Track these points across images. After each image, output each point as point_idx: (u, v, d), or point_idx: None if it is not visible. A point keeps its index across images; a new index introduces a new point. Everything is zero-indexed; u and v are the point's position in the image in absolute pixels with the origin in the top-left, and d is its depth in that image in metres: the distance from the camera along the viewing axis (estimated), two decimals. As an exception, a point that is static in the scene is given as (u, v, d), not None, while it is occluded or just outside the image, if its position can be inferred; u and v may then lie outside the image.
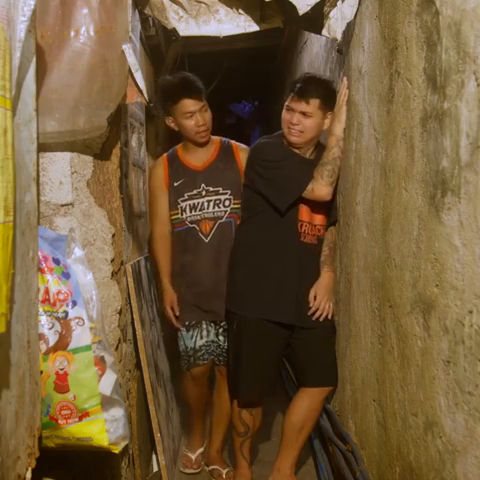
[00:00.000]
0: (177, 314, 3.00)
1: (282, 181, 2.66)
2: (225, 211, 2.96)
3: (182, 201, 2.97)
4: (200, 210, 2.97)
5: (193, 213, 2.96)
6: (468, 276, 1.42)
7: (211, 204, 2.97)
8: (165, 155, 3.08)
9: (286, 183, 2.66)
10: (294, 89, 2.70)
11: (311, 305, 2.72)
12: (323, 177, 2.62)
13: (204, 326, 3.02)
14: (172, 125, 2.96)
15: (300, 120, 2.67)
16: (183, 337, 3.03)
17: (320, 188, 2.62)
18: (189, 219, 2.97)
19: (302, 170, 2.67)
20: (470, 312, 1.41)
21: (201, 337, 3.02)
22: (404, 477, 1.88)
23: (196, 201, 2.97)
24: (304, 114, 2.66)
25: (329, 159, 2.65)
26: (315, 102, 2.66)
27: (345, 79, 2.66)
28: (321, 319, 2.73)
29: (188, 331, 3.02)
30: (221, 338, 3.03)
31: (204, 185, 2.96)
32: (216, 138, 3.06)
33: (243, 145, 3.09)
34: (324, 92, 2.69)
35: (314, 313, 2.72)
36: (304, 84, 2.70)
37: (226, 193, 2.97)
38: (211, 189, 2.97)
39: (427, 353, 1.68)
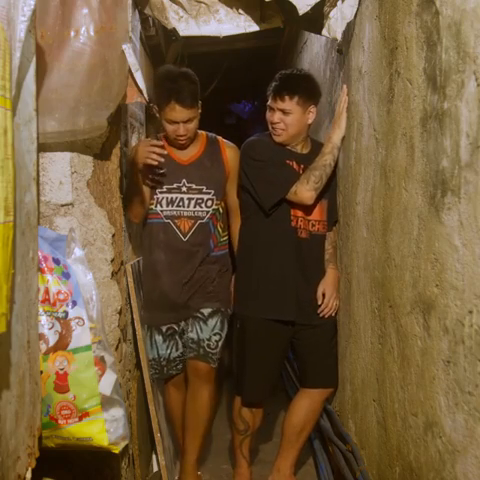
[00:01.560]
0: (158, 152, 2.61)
1: (265, 182, 2.68)
2: (207, 211, 2.83)
3: (160, 192, 2.79)
4: (177, 206, 2.80)
5: (170, 207, 2.79)
6: (468, 276, 1.42)
7: (192, 202, 2.81)
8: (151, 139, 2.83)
9: (269, 184, 2.67)
10: (271, 88, 2.72)
11: (319, 303, 2.73)
12: (309, 181, 2.62)
13: (178, 338, 2.88)
14: (154, 112, 2.81)
15: (281, 118, 2.69)
16: (156, 343, 2.84)
17: (303, 191, 2.63)
18: (165, 213, 2.79)
19: (286, 171, 2.68)
20: (470, 312, 1.41)
21: (176, 349, 2.89)
22: (404, 477, 1.88)
23: (174, 196, 2.80)
24: (283, 112, 2.68)
25: (319, 165, 2.65)
26: (294, 98, 2.67)
27: (345, 86, 2.66)
28: (327, 316, 2.75)
29: (165, 340, 2.85)
30: (198, 330, 2.83)
31: (186, 181, 2.80)
32: (202, 133, 2.90)
33: (231, 143, 2.95)
34: (301, 88, 2.70)
35: (317, 309, 2.73)
36: (280, 82, 2.72)
37: (209, 193, 2.83)
38: (194, 186, 2.81)
39: (427, 353, 1.68)
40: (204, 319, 2.84)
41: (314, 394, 2.80)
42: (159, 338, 2.84)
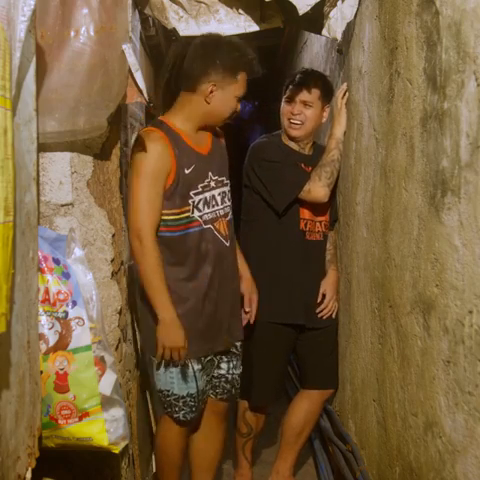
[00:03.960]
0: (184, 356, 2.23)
1: (279, 182, 2.66)
2: (230, 206, 2.42)
3: (195, 194, 2.28)
4: (213, 206, 2.33)
5: (207, 210, 2.30)
6: (468, 276, 1.42)
7: (221, 197, 2.37)
8: (158, 130, 2.26)
9: (283, 184, 2.65)
10: (294, 80, 2.73)
11: (319, 301, 2.73)
12: (321, 178, 2.62)
13: (213, 358, 2.39)
14: (208, 92, 2.23)
15: (301, 110, 2.69)
16: (195, 375, 2.29)
17: (317, 189, 2.62)
18: (204, 218, 2.29)
19: (299, 171, 2.67)
20: (470, 312, 1.41)
21: (216, 369, 2.42)
22: (404, 477, 1.88)
23: (208, 194, 2.32)
24: (305, 103, 2.69)
25: (328, 161, 2.65)
26: (316, 92, 2.69)
27: (345, 84, 2.68)
28: (325, 318, 2.74)
29: (203, 368, 2.32)
30: (231, 368, 2.45)
31: (211, 174, 2.34)
32: None
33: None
34: (323, 84, 2.73)
35: (321, 312, 2.73)
36: (304, 75, 2.75)
37: (228, 184, 2.43)
38: (218, 179, 2.37)
39: (427, 353, 1.68)
40: (239, 354, 2.47)
41: (314, 395, 2.80)
42: (198, 368, 2.30)
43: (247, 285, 2.51)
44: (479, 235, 1.37)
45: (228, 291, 2.37)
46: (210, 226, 2.31)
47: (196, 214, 2.27)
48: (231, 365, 2.43)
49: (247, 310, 2.50)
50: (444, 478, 1.56)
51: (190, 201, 2.27)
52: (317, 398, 2.81)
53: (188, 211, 2.26)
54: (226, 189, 2.40)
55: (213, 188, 2.33)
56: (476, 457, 1.39)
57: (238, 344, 2.45)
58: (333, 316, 2.77)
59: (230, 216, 2.40)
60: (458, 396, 1.48)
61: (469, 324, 1.41)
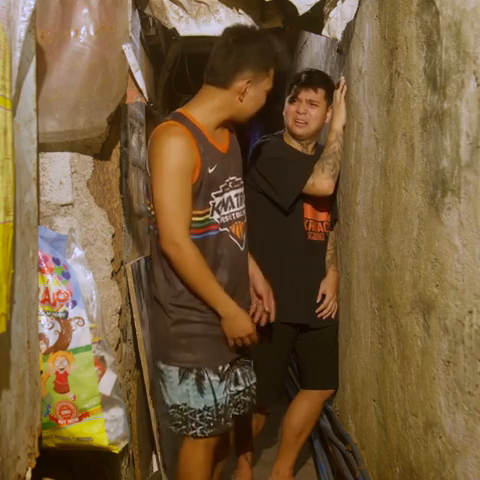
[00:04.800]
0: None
1: (283, 178, 2.65)
2: (245, 209, 2.29)
3: (216, 196, 2.13)
4: (230, 208, 2.19)
5: (224, 212, 2.16)
6: (468, 276, 1.42)
7: (237, 199, 2.23)
8: (180, 124, 2.09)
9: (287, 180, 2.64)
10: (299, 80, 2.73)
11: (319, 301, 2.73)
12: (324, 170, 2.61)
13: (236, 369, 2.26)
14: (243, 90, 2.12)
15: (307, 109, 2.69)
16: (212, 386, 2.14)
17: (321, 182, 2.61)
18: (222, 220, 2.15)
19: (302, 166, 2.67)
20: (470, 312, 1.41)
21: (233, 385, 2.26)
22: (404, 477, 1.88)
23: (226, 196, 2.17)
24: (311, 103, 2.69)
25: (329, 153, 2.65)
26: (321, 91, 2.69)
27: (343, 78, 2.69)
28: (325, 318, 2.75)
29: (222, 379, 2.16)
30: (247, 378, 2.31)
31: (229, 174, 2.21)
32: None
33: None
34: (328, 84, 2.73)
35: (322, 312, 2.73)
36: (310, 74, 2.76)
37: (243, 185, 2.30)
38: (236, 179, 2.23)
39: (427, 353, 1.68)
40: (250, 362, 2.35)
41: (314, 395, 2.80)
42: (215, 379, 2.15)
43: (263, 284, 2.40)
44: (479, 235, 1.37)
45: (243, 297, 2.24)
46: (226, 229, 2.16)
47: (215, 216, 2.13)
48: (247, 377, 2.31)
49: (267, 309, 2.39)
50: (444, 478, 1.56)
51: (210, 203, 2.12)
52: (317, 398, 2.81)
53: (208, 213, 2.11)
54: (242, 190, 2.26)
55: (231, 189, 2.19)
56: (476, 457, 1.39)
57: (249, 352, 2.31)
58: (332, 316, 2.77)
59: (245, 219, 2.27)
60: (458, 396, 1.48)
61: (469, 324, 1.41)
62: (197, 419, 2.14)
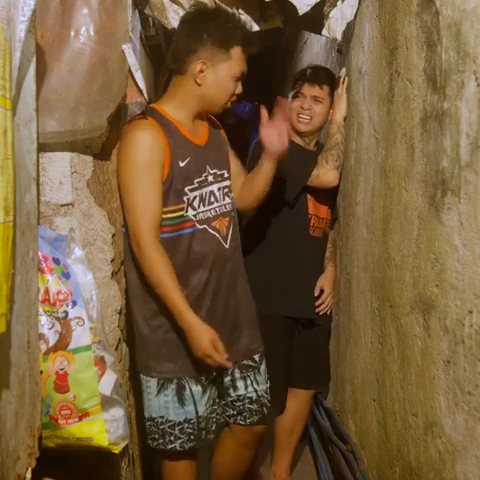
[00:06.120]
0: (222, 351, 1.95)
1: (287, 172, 2.65)
2: (233, 203, 2.16)
3: (191, 190, 2.03)
4: (211, 203, 2.07)
5: (202, 208, 2.04)
6: (468, 276, 1.42)
7: (222, 193, 2.11)
8: (148, 117, 2.03)
9: (291, 173, 2.63)
10: (304, 76, 2.73)
11: (316, 295, 2.73)
12: (328, 161, 2.61)
13: (235, 372, 2.14)
14: (197, 72, 1.99)
15: (311, 105, 2.69)
16: (194, 398, 2.03)
17: (325, 173, 2.61)
18: (199, 217, 2.04)
19: (306, 159, 2.66)
20: (470, 312, 1.41)
21: (213, 402, 2.12)
22: (404, 477, 1.88)
23: (205, 190, 2.05)
24: (315, 99, 2.69)
25: (332, 144, 2.65)
26: (326, 88, 2.70)
27: (344, 69, 2.70)
28: (321, 313, 2.75)
29: (205, 391, 2.06)
30: (254, 384, 2.17)
31: (209, 167, 2.09)
32: None
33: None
34: (332, 81, 2.74)
35: (319, 307, 2.74)
36: (315, 70, 2.76)
37: (228, 177, 2.16)
38: (218, 173, 2.11)
39: (427, 353, 1.68)
40: (257, 366, 2.18)
41: (299, 395, 2.80)
42: (197, 389, 2.04)
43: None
44: (479, 235, 1.37)
45: (229, 295, 2.11)
46: (206, 226, 2.05)
47: (190, 213, 2.02)
48: (249, 381, 2.14)
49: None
50: (444, 478, 1.56)
51: (185, 198, 2.01)
52: (302, 397, 2.81)
53: (182, 209, 2.01)
54: (227, 183, 2.14)
55: (211, 183, 2.08)
56: (476, 457, 1.39)
57: (255, 355, 2.17)
58: (328, 313, 2.78)
59: (233, 214, 2.16)
60: (458, 396, 1.48)
61: (469, 324, 1.41)
62: (176, 432, 2.03)
